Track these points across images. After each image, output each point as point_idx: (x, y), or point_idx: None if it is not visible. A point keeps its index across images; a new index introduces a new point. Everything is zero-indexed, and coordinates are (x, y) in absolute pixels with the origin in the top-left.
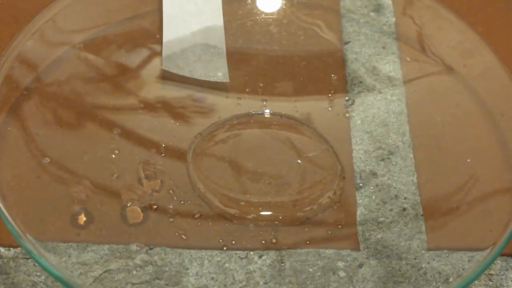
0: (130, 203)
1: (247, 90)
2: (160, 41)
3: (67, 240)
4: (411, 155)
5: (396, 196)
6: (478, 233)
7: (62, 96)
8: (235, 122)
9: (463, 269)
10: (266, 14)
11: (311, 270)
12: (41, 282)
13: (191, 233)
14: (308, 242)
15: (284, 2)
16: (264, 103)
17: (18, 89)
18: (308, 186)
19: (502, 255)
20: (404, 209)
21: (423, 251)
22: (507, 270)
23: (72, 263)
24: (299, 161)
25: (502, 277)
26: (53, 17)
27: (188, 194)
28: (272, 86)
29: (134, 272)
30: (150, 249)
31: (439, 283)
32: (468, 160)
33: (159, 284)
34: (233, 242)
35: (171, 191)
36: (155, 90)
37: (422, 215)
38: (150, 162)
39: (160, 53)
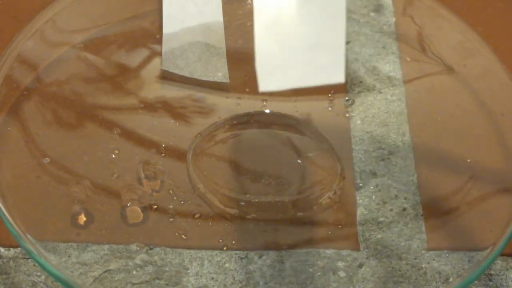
0: (130, 203)
1: (247, 90)
2: (160, 41)
3: (67, 240)
4: (411, 155)
5: (396, 196)
6: (478, 233)
7: (62, 96)
8: (235, 122)
9: (463, 269)
10: None
11: (311, 270)
12: (41, 282)
13: (191, 233)
14: (308, 242)
15: None
16: (264, 103)
17: (18, 89)
18: (308, 186)
19: (502, 255)
20: (404, 209)
21: (423, 251)
22: (507, 270)
23: (72, 263)
24: (299, 161)
25: (502, 277)
26: (53, 17)
27: (188, 194)
28: None
29: (134, 272)
30: (150, 249)
31: (439, 283)
32: (468, 160)
33: (159, 284)
34: (233, 242)
35: (171, 191)
36: (155, 90)
37: (422, 215)
38: (150, 162)
39: (160, 53)
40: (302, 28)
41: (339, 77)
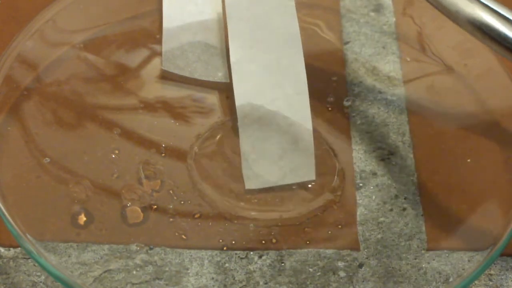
0: (130, 203)
1: None
2: (160, 41)
3: (67, 240)
4: (411, 155)
5: (396, 196)
6: (478, 233)
7: (62, 96)
8: (235, 122)
9: (463, 269)
10: None
11: (311, 270)
12: (41, 282)
13: (191, 233)
14: (308, 242)
15: None
16: None
17: (18, 89)
18: (308, 186)
19: (502, 255)
20: (404, 209)
21: (423, 251)
22: (507, 270)
23: (72, 263)
24: None
25: (502, 277)
26: (53, 17)
27: (188, 194)
28: None
29: (134, 272)
30: (150, 249)
31: (439, 283)
32: (468, 160)
33: (159, 284)
34: (233, 242)
35: (171, 191)
36: (155, 90)
37: (422, 215)
38: (150, 162)
39: (160, 53)
40: (277, 139)
41: (310, 176)
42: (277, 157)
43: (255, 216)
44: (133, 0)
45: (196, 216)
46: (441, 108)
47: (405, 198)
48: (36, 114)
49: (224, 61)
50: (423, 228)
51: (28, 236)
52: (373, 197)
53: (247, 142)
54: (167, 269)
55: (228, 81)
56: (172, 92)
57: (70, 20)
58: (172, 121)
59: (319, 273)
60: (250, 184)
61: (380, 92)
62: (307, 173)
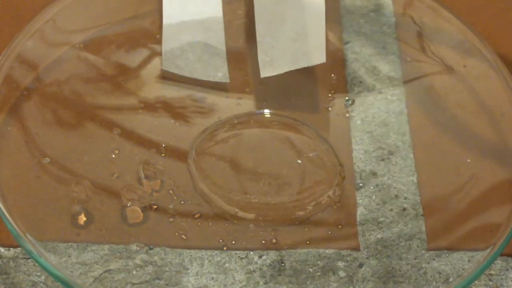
0: (130, 203)
1: (247, 90)
2: (160, 41)
3: (67, 240)
4: (411, 155)
5: (396, 196)
6: (478, 233)
7: (62, 96)
8: (235, 122)
9: (463, 269)
10: None
11: (311, 270)
12: (41, 282)
13: (191, 233)
14: (308, 242)
15: None
16: (264, 103)
17: (18, 89)
18: (308, 186)
19: (502, 255)
20: (404, 209)
21: (423, 251)
22: (507, 270)
23: (72, 263)
24: (299, 161)
25: (502, 277)
26: (53, 17)
27: (188, 194)
28: (272, 86)
29: (134, 272)
30: (150, 249)
31: (439, 283)
32: (468, 160)
33: (159, 284)
34: (233, 242)
35: (171, 191)
36: (155, 90)
37: (422, 215)
38: (150, 162)
39: (160, 53)
40: (291, 22)
41: (321, 59)
42: (290, 40)
43: (255, 216)
44: (133, 0)
45: (196, 216)
46: (441, 108)
47: (405, 198)
48: (36, 114)
49: (224, 61)
50: (423, 228)
51: (28, 236)
52: (373, 197)
53: (262, 24)
54: (167, 269)
55: (228, 81)
56: (172, 92)
57: (70, 20)
58: (172, 121)
59: (319, 273)
60: (265, 72)
61: (380, 92)
62: (319, 56)
